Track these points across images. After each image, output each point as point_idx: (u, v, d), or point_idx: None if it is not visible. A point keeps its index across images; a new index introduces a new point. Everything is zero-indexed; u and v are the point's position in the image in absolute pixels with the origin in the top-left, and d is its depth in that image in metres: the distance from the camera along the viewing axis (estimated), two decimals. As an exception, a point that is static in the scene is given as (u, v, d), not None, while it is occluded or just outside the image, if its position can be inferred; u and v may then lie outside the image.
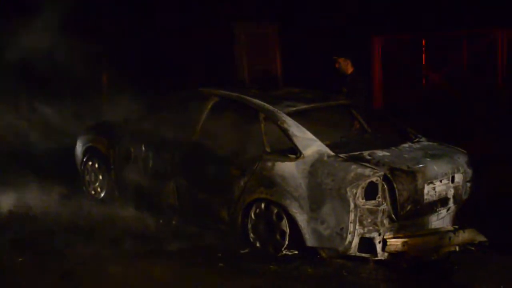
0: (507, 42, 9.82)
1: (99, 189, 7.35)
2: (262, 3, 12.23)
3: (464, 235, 5.56)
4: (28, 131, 8.26)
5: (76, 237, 6.03)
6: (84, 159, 7.50)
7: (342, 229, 5.24)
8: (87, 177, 7.48)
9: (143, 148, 6.70)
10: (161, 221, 6.55)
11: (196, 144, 6.28)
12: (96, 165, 7.36)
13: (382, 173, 5.27)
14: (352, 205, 5.19)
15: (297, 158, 5.53)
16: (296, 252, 5.52)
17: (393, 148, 5.79)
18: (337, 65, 7.70)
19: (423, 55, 10.91)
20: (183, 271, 5.33)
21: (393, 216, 5.29)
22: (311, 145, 5.57)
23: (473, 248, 5.61)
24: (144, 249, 5.82)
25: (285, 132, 5.71)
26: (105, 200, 7.20)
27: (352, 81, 7.57)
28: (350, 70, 7.66)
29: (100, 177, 7.32)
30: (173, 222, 6.50)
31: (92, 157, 7.41)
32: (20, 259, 5.55)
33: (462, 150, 6.02)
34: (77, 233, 6.14)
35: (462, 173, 5.78)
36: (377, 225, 5.24)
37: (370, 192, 5.24)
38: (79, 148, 7.63)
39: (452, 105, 9.95)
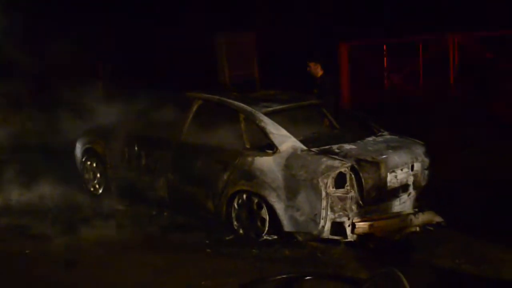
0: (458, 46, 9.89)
1: (97, 186, 7.28)
2: (241, 15, 12.22)
3: (423, 217, 5.59)
4: (26, 131, 8.11)
5: (77, 229, 5.98)
6: (83, 159, 7.41)
7: (315, 215, 5.25)
8: (86, 175, 7.40)
9: (136, 148, 6.65)
10: (153, 213, 6.51)
11: (183, 142, 6.24)
12: (94, 164, 7.29)
13: (349, 164, 5.28)
14: (323, 194, 5.20)
15: (273, 153, 5.53)
16: (275, 237, 5.52)
17: (359, 141, 5.80)
18: (308, 69, 7.70)
19: (385, 59, 10.94)
20: (174, 257, 5.31)
21: (360, 202, 5.31)
22: (286, 141, 5.57)
23: (431, 228, 5.63)
24: (139, 238, 5.80)
25: (263, 130, 5.70)
26: (103, 196, 7.13)
27: (322, 83, 7.57)
28: (320, 73, 7.65)
29: (98, 175, 7.25)
30: (165, 214, 6.47)
31: (91, 157, 7.32)
32: (27, 251, 5.50)
33: (420, 142, 6.04)
34: (78, 226, 6.07)
35: (420, 162, 5.81)
36: (346, 211, 5.26)
37: (339, 181, 5.26)
38: (78, 149, 7.53)
39: (411, 102, 10.01)
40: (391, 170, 5.50)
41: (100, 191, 7.23)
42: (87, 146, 7.38)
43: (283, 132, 5.65)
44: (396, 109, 9.81)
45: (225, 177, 5.78)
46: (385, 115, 8.82)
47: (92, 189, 7.34)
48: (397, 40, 10.61)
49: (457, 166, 7.31)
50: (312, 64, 7.66)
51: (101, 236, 5.80)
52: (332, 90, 7.56)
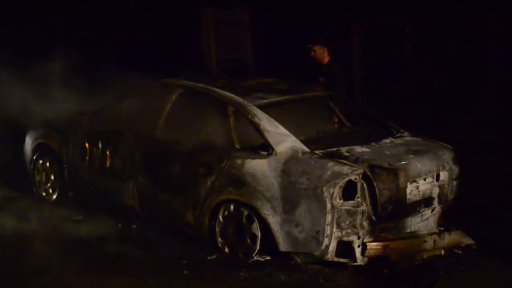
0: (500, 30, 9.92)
1: (50, 191, 7.29)
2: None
3: (450, 238, 5.62)
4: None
5: (26, 245, 5.96)
6: (34, 157, 7.42)
7: (318, 232, 5.25)
8: (38, 177, 7.41)
9: (100, 145, 6.67)
10: (119, 225, 6.51)
11: (159, 140, 6.25)
12: (48, 164, 7.30)
13: (361, 171, 5.28)
14: (329, 206, 5.20)
15: (269, 155, 5.53)
16: (269, 257, 5.52)
17: (373, 143, 5.81)
18: (312, 53, 7.71)
19: (407, 44, 10.98)
20: (143, 280, 5.29)
21: (373, 217, 5.31)
22: (284, 140, 5.57)
23: (460, 252, 5.65)
24: (101, 257, 5.77)
25: (256, 126, 5.70)
26: (57, 203, 7.14)
27: (329, 71, 7.59)
28: (326, 58, 7.67)
29: (52, 177, 7.27)
30: (133, 226, 6.48)
31: (43, 155, 7.34)
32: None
33: (448, 146, 6.08)
34: (27, 241, 6.06)
35: (447, 170, 5.83)
36: (356, 228, 5.25)
37: (349, 191, 5.25)
38: (28, 145, 7.54)
39: (439, 98, 10.04)
40: (412, 180, 5.52)
41: (54, 196, 7.26)
42: (40, 141, 7.40)
43: (281, 130, 5.65)
44: (420, 105, 9.83)
45: (208, 183, 5.78)
46: (406, 112, 8.85)
47: (44, 194, 7.36)
48: (423, 20, 10.63)
49: (492, 178, 7.33)
50: (317, 48, 7.69)
51: (56, 254, 5.76)
52: (341, 79, 7.57)
